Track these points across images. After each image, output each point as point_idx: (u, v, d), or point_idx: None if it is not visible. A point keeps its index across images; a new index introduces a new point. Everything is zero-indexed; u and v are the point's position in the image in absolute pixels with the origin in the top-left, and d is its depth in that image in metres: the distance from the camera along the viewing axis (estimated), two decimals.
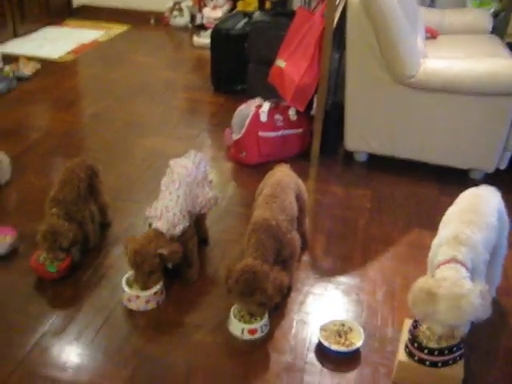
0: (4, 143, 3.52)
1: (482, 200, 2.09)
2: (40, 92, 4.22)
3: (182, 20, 5.89)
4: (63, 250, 2.26)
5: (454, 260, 1.84)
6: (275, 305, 2.06)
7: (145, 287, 2.16)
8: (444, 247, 1.92)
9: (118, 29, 5.82)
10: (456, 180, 3.10)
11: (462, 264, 1.83)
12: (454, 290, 1.74)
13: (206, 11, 5.68)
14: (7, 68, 4.27)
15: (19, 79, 4.30)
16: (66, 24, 5.91)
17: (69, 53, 5.04)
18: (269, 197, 2.18)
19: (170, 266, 2.20)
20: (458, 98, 2.90)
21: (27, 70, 4.42)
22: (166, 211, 2.18)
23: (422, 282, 1.84)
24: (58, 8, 5.90)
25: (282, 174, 2.34)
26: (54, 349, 2.01)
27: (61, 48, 5.12)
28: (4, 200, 2.91)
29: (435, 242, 2.01)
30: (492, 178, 3.03)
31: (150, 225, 2.21)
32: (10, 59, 4.55)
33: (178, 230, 2.18)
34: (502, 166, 3.15)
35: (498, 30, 4.00)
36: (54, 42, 5.28)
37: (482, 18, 3.94)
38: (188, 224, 2.23)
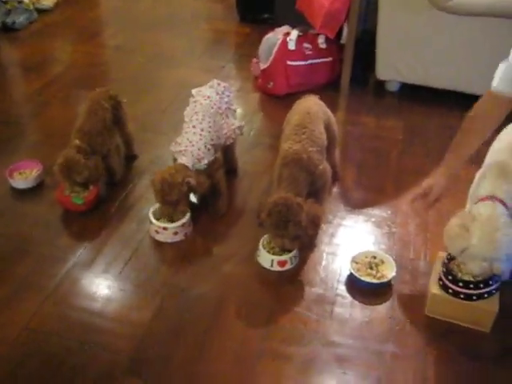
0: (27, 77, 3.47)
1: None
2: (61, 24, 4.12)
3: None
4: (81, 185, 2.23)
5: (492, 197, 1.76)
6: (309, 239, 2.01)
7: (171, 218, 2.13)
8: (486, 181, 1.83)
9: None
10: None
11: (501, 201, 1.75)
12: (488, 223, 1.68)
13: None
14: (27, 0, 4.14)
15: (40, 11, 4.18)
16: None
17: None
18: (298, 127, 2.10)
19: (196, 199, 2.17)
20: (501, 23, 2.72)
21: (47, 1, 4.29)
22: (190, 145, 2.12)
23: (458, 217, 1.78)
24: None
25: (311, 102, 2.25)
26: (84, 280, 2.01)
27: None
28: (30, 133, 2.88)
29: (479, 171, 1.93)
30: None
31: (175, 160, 2.16)
32: None
33: (204, 163, 2.13)
34: None
35: None
36: None
37: None
38: (213, 157, 2.17)
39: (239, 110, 2.90)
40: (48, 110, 3.03)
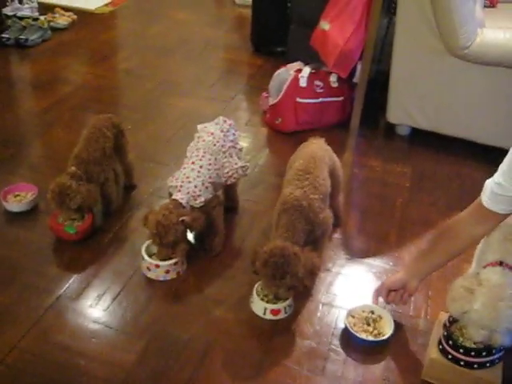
0: (34, 95, 3.44)
1: None
2: (74, 44, 4.11)
3: None
4: (76, 211, 2.16)
5: (502, 263, 1.68)
6: (306, 289, 1.93)
7: (171, 259, 2.06)
8: (495, 244, 1.75)
9: None
10: None
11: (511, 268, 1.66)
12: (494, 290, 1.60)
13: None
14: (42, 18, 4.12)
15: (54, 30, 4.18)
16: None
17: (106, 4, 4.87)
18: (301, 172, 2.02)
19: (192, 237, 2.10)
20: None
21: (63, 20, 4.29)
22: (187, 182, 2.06)
23: (464, 278, 1.70)
24: None
25: (317, 146, 2.17)
26: (69, 314, 1.93)
27: None
28: (30, 154, 2.82)
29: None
30: None
31: (171, 195, 2.09)
32: (46, 9, 4.40)
33: (199, 201, 2.06)
34: None
35: None
36: None
37: None
38: (211, 195, 2.10)
39: (245, 144, 2.84)
40: (52, 131, 2.99)
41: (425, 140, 3.07)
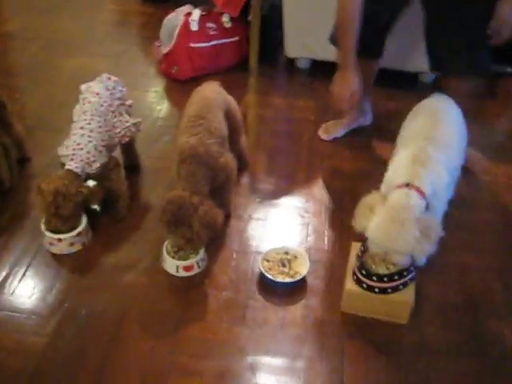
0: None
1: (442, 113, 1.94)
2: None
3: None
4: None
5: (409, 185, 1.68)
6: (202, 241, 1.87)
7: (58, 231, 1.95)
8: (403, 168, 1.75)
9: None
10: (406, 85, 2.91)
11: (418, 190, 1.67)
12: (390, 212, 1.61)
13: None
14: None
15: None
16: None
17: None
18: (194, 118, 1.94)
19: (96, 206, 2.01)
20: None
21: None
22: (78, 149, 1.94)
23: (369, 197, 1.73)
24: None
25: (209, 90, 2.09)
26: None
27: None
28: None
29: (394, 160, 1.85)
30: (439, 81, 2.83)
31: (63, 165, 1.96)
32: None
33: (95, 167, 1.96)
34: None
35: None
36: None
37: None
38: (107, 159, 2.00)
39: (142, 97, 2.73)
40: None
41: (325, 71, 2.99)
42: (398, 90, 2.90)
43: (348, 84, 2.15)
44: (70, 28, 3.59)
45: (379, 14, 2.19)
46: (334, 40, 2.23)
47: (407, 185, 1.68)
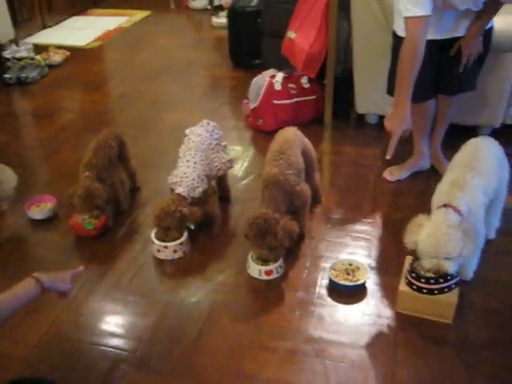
0: (38, 124, 3.82)
1: (483, 148, 2.27)
2: (70, 77, 4.51)
3: (200, 2, 6.12)
4: (98, 208, 2.50)
5: (447, 205, 2.02)
6: (286, 249, 2.27)
7: (163, 241, 2.42)
8: (443, 192, 2.11)
9: (140, 15, 6.07)
10: (465, 137, 3.25)
11: (455, 209, 2.01)
12: (435, 224, 1.96)
13: None
14: (39, 57, 4.55)
15: (50, 66, 4.59)
16: (90, 13, 6.20)
17: (95, 40, 5.32)
18: (276, 153, 2.40)
19: (192, 226, 2.48)
20: None
21: (57, 57, 4.70)
22: (185, 177, 2.42)
23: (418, 218, 2.05)
24: None
25: (289, 132, 2.55)
26: (94, 294, 2.28)
27: (87, 36, 5.40)
28: (43, 173, 3.20)
29: (438, 186, 2.20)
30: (499, 134, 3.15)
31: (172, 190, 2.45)
32: (41, 49, 4.84)
33: (198, 192, 2.43)
34: (509, 121, 3.28)
35: None
36: (80, 31, 5.56)
37: None
38: (207, 186, 2.48)
39: (233, 145, 3.22)
40: (59, 153, 3.36)
41: None
42: (459, 141, 3.23)
43: (401, 121, 2.42)
44: (170, 90, 4.20)
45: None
46: (391, 90, 2.56)
47: (445, 205, 2.03)
